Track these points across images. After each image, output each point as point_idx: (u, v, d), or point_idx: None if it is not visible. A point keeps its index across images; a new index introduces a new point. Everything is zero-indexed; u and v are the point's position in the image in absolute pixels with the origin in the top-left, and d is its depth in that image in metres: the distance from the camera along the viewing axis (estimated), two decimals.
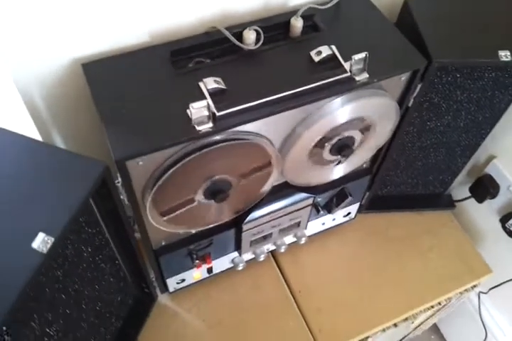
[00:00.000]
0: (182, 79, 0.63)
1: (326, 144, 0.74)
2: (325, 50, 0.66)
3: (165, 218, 0.71)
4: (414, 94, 0.76)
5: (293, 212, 0.86)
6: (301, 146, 0.72)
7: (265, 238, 0.89)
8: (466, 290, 1.05)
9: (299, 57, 0.67)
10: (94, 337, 0.80)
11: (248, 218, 0.81)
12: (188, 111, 0.59)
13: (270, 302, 0.97)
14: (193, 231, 0.79)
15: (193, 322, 0.94)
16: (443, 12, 0.78)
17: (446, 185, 1.06)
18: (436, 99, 0.82)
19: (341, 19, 0.73)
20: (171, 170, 0.62)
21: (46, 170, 0.57)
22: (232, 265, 0.94)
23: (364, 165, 0.90)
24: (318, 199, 0.90)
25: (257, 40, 0.67)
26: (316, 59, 0.66)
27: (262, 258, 0.94)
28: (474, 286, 1.06)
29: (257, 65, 0.66)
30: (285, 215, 0.85)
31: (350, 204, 0.95)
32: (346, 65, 0.65)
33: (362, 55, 0.64)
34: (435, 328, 1.51)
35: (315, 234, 1.01)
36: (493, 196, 1.04)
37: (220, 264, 0.92)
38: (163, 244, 0.79)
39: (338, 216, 1.00)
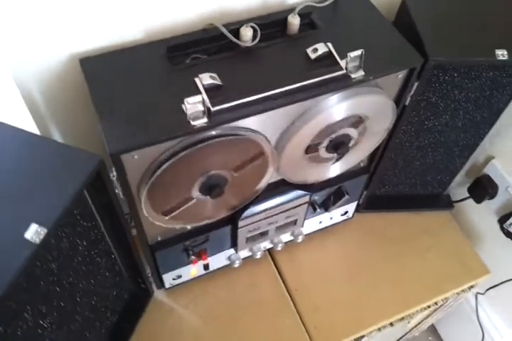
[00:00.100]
0: (178, 75, 0.64)
1: (322, 141, 0.74)
2: (321, 48, 0.66)
3: (167, 217, 0.71)
4: (411, 93, 0.76)
5: (289, 210, 0.86)
6: (297, 143, 0.72)
7: (262, 235, 0.90)
8: (463, 290, 1.05)
9: (295, 55, 0.67)
10: (89, 331, 0.80)
11: (244, 214, 0.81)
12: (183, 106, 0.59)
13: (266, 299, 0.97)
14: (189, 227, 0.79)
15: (189, 318, 0.94)
16: (441, 11, 0.78)
17: (444, 185, 1.06)
18: (433, 98, 0.82)
19: (339, 17, 0.73)
20: (166, 165, 0.62)
21: (41, 163, 0.58)
22: (228, 262, 0.95)
23: (361, 164, 0.90)
24: (315, 198, 0.90)
25: (254, 37, 0.67)
26: (313, 56, 0.66)
27: (258, 255, 0.94)
28: (471, 287, 1.06)
29: (253, 61, 0.67)
30: (281, 213, 0.86)
31: (347, 203, 0.95)
32: (342, 63, 0.66)
33: (358, 52, 0.64)
34: (433, 329, 1.51)
35: (312, 232, 1.01)
36: (492, 196, 1.04)
37: (217, 261, 0.93)
38: (159, 239, 0.80)
39: (336, 215, 1.00)
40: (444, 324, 1.46)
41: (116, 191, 0.65)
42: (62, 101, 0.71)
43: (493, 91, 0.82)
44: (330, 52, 0.66)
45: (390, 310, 0.99)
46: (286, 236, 0.96)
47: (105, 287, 0.81)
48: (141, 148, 0.59)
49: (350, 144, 0.78)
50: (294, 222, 0.91)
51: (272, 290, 0.98)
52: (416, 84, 0.74)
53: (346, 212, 1.01)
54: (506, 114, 0.88)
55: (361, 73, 0.66)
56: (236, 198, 0.77)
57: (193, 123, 0.60)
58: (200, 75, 0.61)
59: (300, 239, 0.97)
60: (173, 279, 0.91)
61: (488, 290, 1.12)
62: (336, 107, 0.69)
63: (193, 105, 0.59)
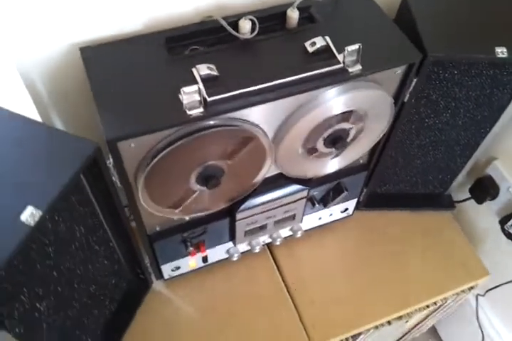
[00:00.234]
0: (176, 65, 0.65)
1: (320, 135, 0.75)
2: (319, 41, 0.67)
3: (176, 210, 0.73)
4: (410, 89, 0.76)
5: (287, 204, 0.87)
6: (294, 136, 0.73)
7: (260, 229, 0.90)
8: (462, 291, 1.05)
9: (293, 48, 0.68)
10: (87, 318, 0.82)
11: (242, 207, 0.82)
12: (179, 95, 0.60)
13: (264, 293, 0.98)
14: (187, 218, 0.81)
15: (187, 309, 0.95)
16: (441, 9, 0.78)
17: (446, 185, 1.05)
18: (434, 96, 0.82)
19: (338, 12, 0.74)
20: (162, 153, 0.63)
21: (39, 148, 0.59)
22: (227, 255, 0.95)
23: (361, 161, 0.91)
24: (314, 193, 0.90)
25: (253, 29, 0.68)
26: (310, 50, 0.67)
27: (257, 249, 0.95)
28: (471, 288, 1.06)
29: (251, 53, 0.68)
30: (279, 207, 0.86)
31: (346, 199, 0.96)
32: (340, 57, 0.66)
33: (355, 46, 0.65)
34: (433, 330, 1.50)
35: (312, 228, 1.02)
36: (493, 197, 1.03)
37: (216, 254, 0.94)
38: (158, 229, 0.81)
39: (335, 211, 1.00)
40: (444, 326, 1.45)
41: (114, 179, 0.66)
42: (63, 91, 0.73)
43: (493, 90, 0.82)
44: (328, 46, 0.67)
45: (387, 309, 0.99)
46: (285, 232, 0.97)
47: (104, 275, 0.82)
48: (137, 136, 0.60)
49: (349, 139, 0.78)
50: (293, 217, 0.92)
51: (270, 284, 0.99)
52: (415, 80, 0.75)
53: (346, 209, 1.02)
54: (509, 115, 0.88)
55: (358, 67, 0.67)
56: (234, 190, 0.78)
57: (189, 112, 0.61)
58: (198, 66, 0.62)
59: (299, 234, 0.97)
60: (172, 270, 0.92)
61: (488, 291, 1.11)
62: (333, 101, 0.69)
63: (190, 95, 0.60)
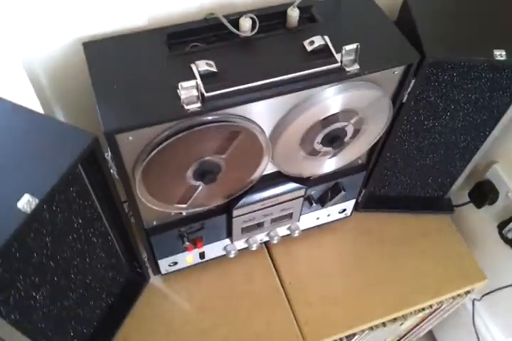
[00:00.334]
0: (176, 61, 0.66)
1: (317, 134, 0.75)
2: (318, 40, 0.68)
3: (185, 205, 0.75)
4: (408, 90, 0.77)
5: (284, 202, 0.87)
6: (291, 134, 0.73)
7: (257, 227, 0.91)
8: (459, 295, 1.05)
9: (292, 46, 0.69)
10: (83, 309, 0.83)
11: (239, 204, 0.83)
12: (178, 90, 0.61)
13: (260, 291, 0.98)
14: (184, 213, 0.81)
15: (183, 304, 0.96)
16: (441, 11, 0.79)
17: (445, 188, 1.06)
18: (433, 98, 0.83)
19: (339, 12, 0.75)
20: (159, 147, 0.64)
21: (39, 138, 0.61)
22: (224, 252, 0.96)
23: (359, 161, 0.91)
24: (312, 192, 0.91)
25: (253, 28, 0.69)
26: (309, 48, 0.68)
27: (254, 247, 0.96)
28: (468, 292, 1.06)
29: (250, 51, 0.69)
30: (277, 205, 0.87)
31: (344, 199, 0.96)
32: (337, 56, 0.67)
33: (353, 46, 0.66)
34: (430, 335, 1.50)
35: (309, 228, 1.02)
36: (492, 202, 1.04)
37: (213, 250, 0.95)
38: (155, 223, 0.82)
39: (333, 212, 1.01)
40: (441, 330, 1.44)
41: (112, 171, 0.67)
42: (66, 85, 0.75)
43: (493, 94, 0.83)
44: (326, 45, 0.67)
45: (382, 310, 0.99)
46: (282, 230, 0.98)
47: (101, 268, 0.83)
48: (134, 129, 0.61)
49: (346, 139, 0.79)
50: (290, 216, 0.92)
51: (266, 282, 1.00)
52: (413, 81, 0.75)
53: (344, 210, 1.02)
54: (508, 119, 0.88)
55: (356, 67, 0.68)
56: (231, 187, 0.79)
57: (186, 107, 0.62)
58: (197, 62, 0.63)
59: (297, 233, 0.98)
60: (169, 265, 0.93)
61: (484, 296, 1.11)
62: (330, 100, 0.70)
63: (188, 90, 0.61)
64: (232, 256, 0.96)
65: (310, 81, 0.67)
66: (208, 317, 0.95)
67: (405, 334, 1.28)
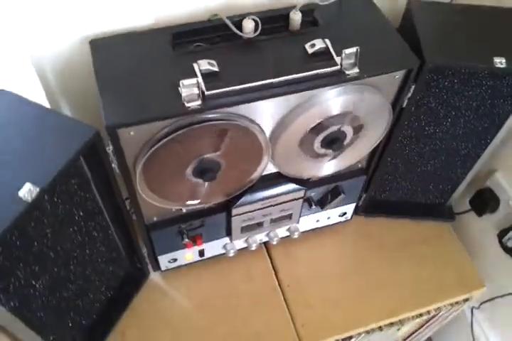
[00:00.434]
0: (179, 60, 0.68)
1: (317, 136, 0.77)
2: (318, 43, 0.69)
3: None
4: (409, 95, 0.78)
5: (284, 203, 0.89)
6: (291, 135, 0.75)
7: (256, 226, 0.93)
8: (457, 302, 1.05)
9: (293, 49, 0.70)
10: (82, 301, 0.84)
11: (238, 202, 0.84)
12: (179, 88, 0.63)
13: (258, 291, 0.99)
14: (184, 209, 0.83)
15: (181, 301, 0.98)
16: (443, 19, 0.80)
17: (446, 195, 1.06)
18: (433, 104, 0.84)
19: (341, 17, 0.77)
20: (159, 143, 0.66)
21: (43, 131, 0.63)
22: (224, 251, 0.98)
23: (360, 165, 0.92)
24: (312, 194, 0.92)
25: (256, 29, 0.71)
26: (310, 51, 0.70)
27: (253, 247, 0.97)
28: (466, 300, 1.06)
29: (252, 52, 0.71)
30: (276, 205, 0.88)
31: (343, 203, 0.97)
32: (337, 59, 0.69)
33: (353, 49, 0.67)
34: None
35: (309, 230, 1.03)
36: (493, 210, 1.04)
37: (212, 249, 0.96)
38: (155, 219, 0.84)
39: (333, 215, 1.02)
40: (440, 338, 1.44)
41: (113, 165, 0.69)
42: (72, 81, 0.77)
43: (494, 101, 0.83)
44: (327, 48, 0.69)
45: (379, 314, 0.99)
46: (282, 231, 0.99)
47: (101, 261, 0.85)
48: (135, 124, 0.63)
49: (346, 142, 0.80)
50: (289, 217, 0.93)
51: (265, 283, 1.01)
52: (413, 86, 0.76)
53: (344, 214, 1.03)
54: (510, 127, 0.88)
55: (356, 70, 0.69)
56: (230, 185, 0.81)
57: (187, 105, 0.64)
58: (199, 61, 0.65)
59: (296, 235, 0.99)
60: (169, 262, 0.95)
61: (482, 304, 1.11)
62: (330, 102, 0.72)
63: (189, 88, 0.63)
64: (231, 255, 0.97)
65: (309, 83, 0.68)
66: (206, 315, 0.96)
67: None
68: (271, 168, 0.83)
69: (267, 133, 0.74)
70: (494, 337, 1.16)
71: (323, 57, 0.69)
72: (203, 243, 0.91)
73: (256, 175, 0.81)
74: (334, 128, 0.76)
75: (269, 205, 0.88)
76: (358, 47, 0.67)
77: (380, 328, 1.02)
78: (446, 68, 0.76)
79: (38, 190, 0.57)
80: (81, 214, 0.73)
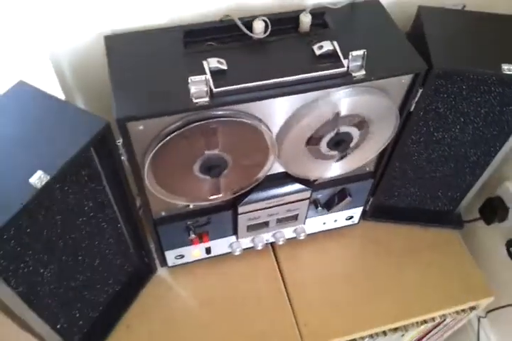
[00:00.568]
0: (189, 58, 0.70)
1: (323, 136, 0.78)
2: (326, 45, 0.71)
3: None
4: (416, 99, 0.79)
5: (290, 203, 0.90)
6: (297, 135, 0.76)
7: (262, 226, 0.94)
8: (463, 310, 1.05)
9: (302, 50, 0.72)
10: (90, 292, 0.87)
11: (244, 201, 0.86)
12: (188, 85, 0.65)
13: (263, 291, 1.01)
14: (191, 205, 0.85)
15: (187, 298, 0.99)
16: (453, 25, 0.81)
17: (455, 202, 1.06)
18: (442, 109, 0.84)
19: (351, 20, 0.78)
20: (167, 138, 0.68)
21: (57, 121, 0.66)
22: (230, 250, 0.99)
23: (367, 169, 0.93)
24: (318, 196, 0.93)
25: (266, 30, 0.73)
26: (318, 52, 0.71)
27: (259, 247, 0.98)
28: (473, 308, 1.05)
29: (261, 52, 0.72)
30: (282, 205, 0.90)
31: (350, 206, 0.98)
32: (345, 61, 0.70)
33: (360, 52, 0.69)
34: None
35: (316, 232, 1.04)
36: (502, 219, 1.03)
37: (219, 247, 0.97)
38: (163, 214, 0.86)
39: (340, 218, 1.03)
40: None
41: (123, 158, 0.72)
42: (87, 75, 0.81)
43: (503, 108, 0.84)
44: (334, 50, 0.71)
45: (383, 319, 0.99)
46: (288, 232, 1.00)
47: (109, 253, 0.87)
48: (144, 118, 0.65)
49: (352, 144, 0.81)
50: (295, 217, 0.95)
51: (270, 283, 1.02)
52: (420, 90, 0.77)
53: (351, 217, 1.04)
54: None
55: (362, 72, 0.71)
56: (237, 183, 0.82)
57: (195, 101, 0.66)
58: (209, 59, 0.68)
59: (302, 236, 1.00)
60: (176, 258, 0.97)
61: (488, 312, 1.10)
62: (336, 103, 0.73)
63: (197, 84, 0.65)
64: (237, 253, 0.98)
65: (316, 83, 0.70)
66: (210, 312, 0.97)
67: None
68: (278, 168, 0.84)
69: (274, 133, 0.76)
70: None
71: (331, 59, 0.71)
72: (209, 240, 0.93)
73: (262, 173, 0.82)
74: (340, 129, 0.78)
75: (275, 205, 0.89)
76: (365, 50, 0.69)
77: (384, 333, 1.02)
78: (454, 73, 0.77)
79: (48, 177, 0.60)
80: (91, 205, 0.76)
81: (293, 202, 0.90)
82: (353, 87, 0.73)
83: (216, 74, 0.67)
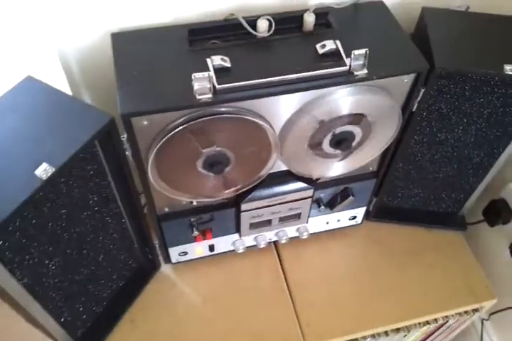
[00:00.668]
0: (194, 55, 0.72)
1: (326, 135, 0.79)
2: (329, 44, 0.72)
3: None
4: (418, 99, 0.80)
5: (292, 202, 0.91)
6: (300, 133, 0.77)
7: (265, 224, 0.95)
8: (466, 312, 1.05)
9: (305, 49, 0.73)
10: (94, 287, 0.88)
11: (247, 198, 0.87)
12: (192, 81, 0.67)
13: (266, 289, 1.01)
14: (195, 202, 0.86)
15: (190, 295, 1.00)
16: (456, 26, 0.82)
17: (459, 204, 1.06)
18: (445, 110, 0.85)
19: (355, 21, 0.79)
20: (170, 134, 0.69)
21: (63, 116, 0.67)
22: (233, 247, 1.00)
23: (370, 168, 0.94)
24: (321, 195, 0.94)
25: (270, 29, 0.74)
26: (320, 51, 0.72)
27: (262, 245, 0.99)
28: (476, 310, 1.05)
29: (264, 51, 0.74)
30: (285, 203, 0.90)
31: (353, 205, 0.99)
32: (347, 60, 0.71)
33: (362, 51, 0.70)
34: None
35: (319, 232, 1.05)
36: (506, 221, 1.03)
37: (222, 244, 0.98)
38: (167, 210, 0.87)
39: (343, 218, 1.03)
40: None
41: (127, 153, 0.73)
42: (93, 72, 0.83)
43: (506, 110, 0.84)
44: (337, 48, 0.72)
45: (385, 319, 0.99)
46: (291, 231, 1.01)
47: (113, 248, 0.88)
48: (148, 113, 0.67)
49: (355, 143, 0.82)
50: (298, 216, 0.95)
51: (273, 281, 1.02)
52: (422, 90, 0.78)
53: (355, 217, 1.04)
54: None
55: (364, 71, 0.71)
56: (239, 180, 0.83)
57: (198, 97, 0.67)
58: (212, 56, 0.69)
59: (305, 235, 1.01)
60: (179, 255, 0.98)
61: (491, 315, 1.10)
62: (339, 102, 0.74)
63: (201, 81, 0.66)
64: (240, 251, 0.99)
65: (318, 82, 0.71)
66: (213, 310, 0.98)
67: None
68: (281, 166, 0.85)
69: (277, 131, 0.77)
70: None
71: (333, 57, 0.72)
72: (212, 237, 0.94)
73: (265, 171, 0.83)
74: (342, 128, 0.78)
75: (277, 203, 0.90)
76: (367, 49, 0.70)
77: (386, 333, 1.02)
78: (456, 74, 0.78)
79: (53, 169, 0.61)
80: (95, 199, 0.77)
81: (295, 200, 0.91)
82: (355, 86, 0.73)
83: (220, 71, 0.68)
